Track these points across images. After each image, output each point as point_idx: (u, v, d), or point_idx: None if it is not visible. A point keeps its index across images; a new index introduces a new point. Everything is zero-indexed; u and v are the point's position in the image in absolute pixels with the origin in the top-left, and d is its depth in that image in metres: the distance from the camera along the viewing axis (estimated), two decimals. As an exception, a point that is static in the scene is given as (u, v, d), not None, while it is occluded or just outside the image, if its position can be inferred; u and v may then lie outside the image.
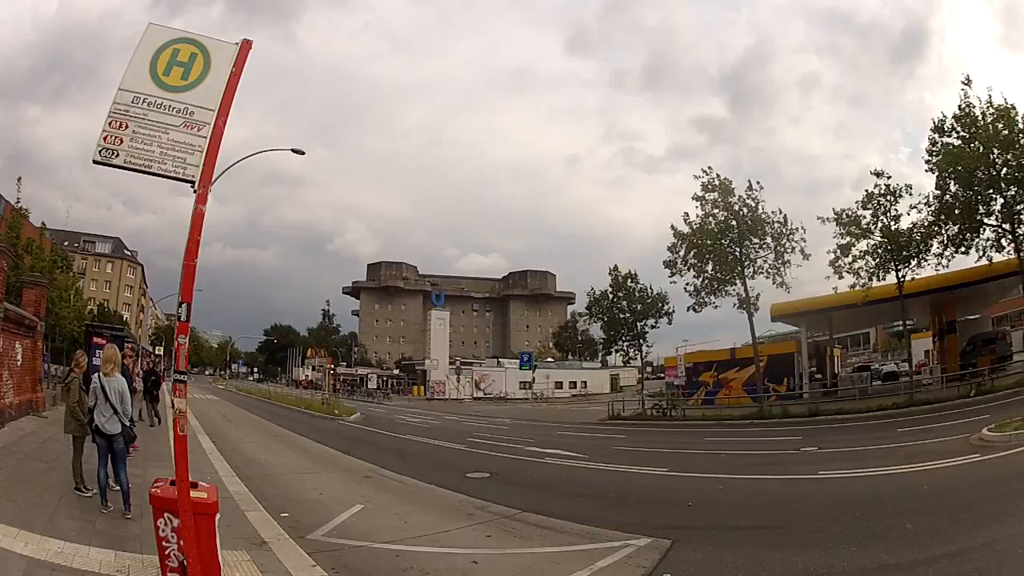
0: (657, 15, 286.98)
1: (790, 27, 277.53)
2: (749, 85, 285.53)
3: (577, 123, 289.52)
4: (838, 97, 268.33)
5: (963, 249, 36.97)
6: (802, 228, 43.02)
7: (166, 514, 7.00)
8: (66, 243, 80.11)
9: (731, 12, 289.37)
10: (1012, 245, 35.30)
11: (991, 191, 35.49)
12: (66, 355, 34.71)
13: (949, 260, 37.96)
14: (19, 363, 23.64)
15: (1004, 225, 35.50)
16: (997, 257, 36.28)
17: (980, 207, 35.94)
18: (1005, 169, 34.81)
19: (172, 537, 6.96)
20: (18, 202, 43.11)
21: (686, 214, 45.12)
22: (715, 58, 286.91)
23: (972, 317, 52.83)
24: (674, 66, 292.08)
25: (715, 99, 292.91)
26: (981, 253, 36.42)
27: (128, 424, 11.75)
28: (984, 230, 36.31)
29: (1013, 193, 34.88)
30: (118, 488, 11.44)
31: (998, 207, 35.71)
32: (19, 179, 54.85)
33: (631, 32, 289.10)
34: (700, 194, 44.37)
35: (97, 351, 22.95)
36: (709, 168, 45.00)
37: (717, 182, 44.25)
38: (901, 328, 56.18)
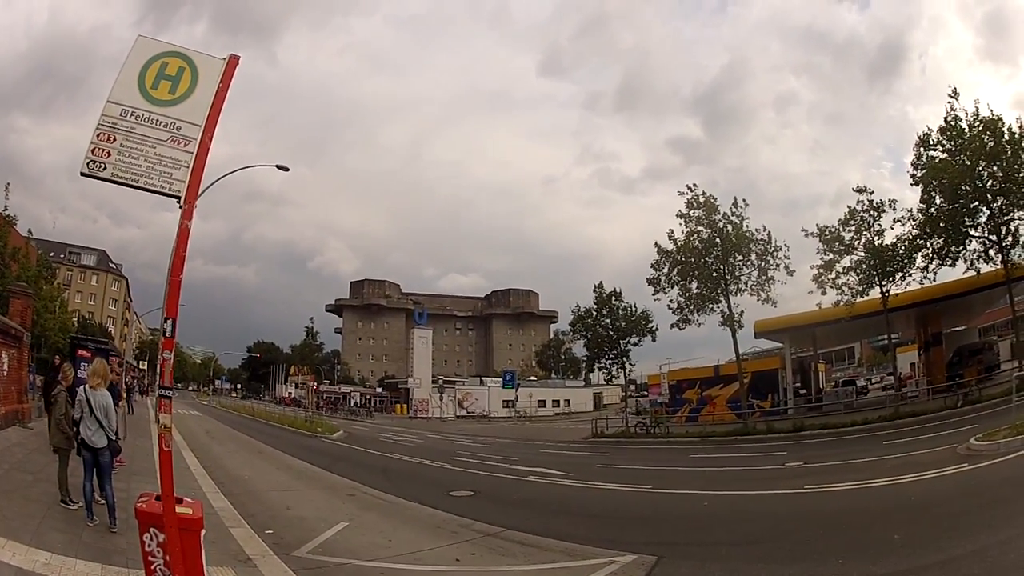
0: (631, 37, 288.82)
1: (765, 47, 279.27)
2: (724, 105, 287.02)
3: (553, 144, 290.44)
4: (815, 115, 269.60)
5: (949, 262, 37.15)
6: (785, 245, 43.10)
7: (152, 529, 6.96)
8: (51, 254, 79.71)
9: (706, 33, 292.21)
10: (999, 256, 35.47)
11: (977, 203, 35.67)
12: (50, 368, 34.64)
13: (935, 273, 38.17)
14: (5, 373, 23.54)
15: (991, 236, 35.69)
16: (985, 268, 36.49)
17: (966, 219, 36.10)
18: (991, 181, 35.02)
19: (158, 552, 6.92)
20: (5, 209, 42.72)
21: (670, 231, 45.06)
22: (690, 79, 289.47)
23: (958, 329, 53.03)
24: (648, 87, 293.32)
25: (690, 120, 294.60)
26: (969, 264, 36.62)
27: (113, 438, 11.71)
28: (971, 242, 36.52)
29: (1000, 204, 35.08)
30: (103, 502, 11.40)
31: (984, 219, 35.91)
32: (7, 185, 54.52)
33: (605, 55, 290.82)
34: (684, 211, 44.34)
35: (83, 364, 22.89)
36: (694, 185, 45.02)
37: (702, 199, 44.24)
38: (886, 342, 56.34)
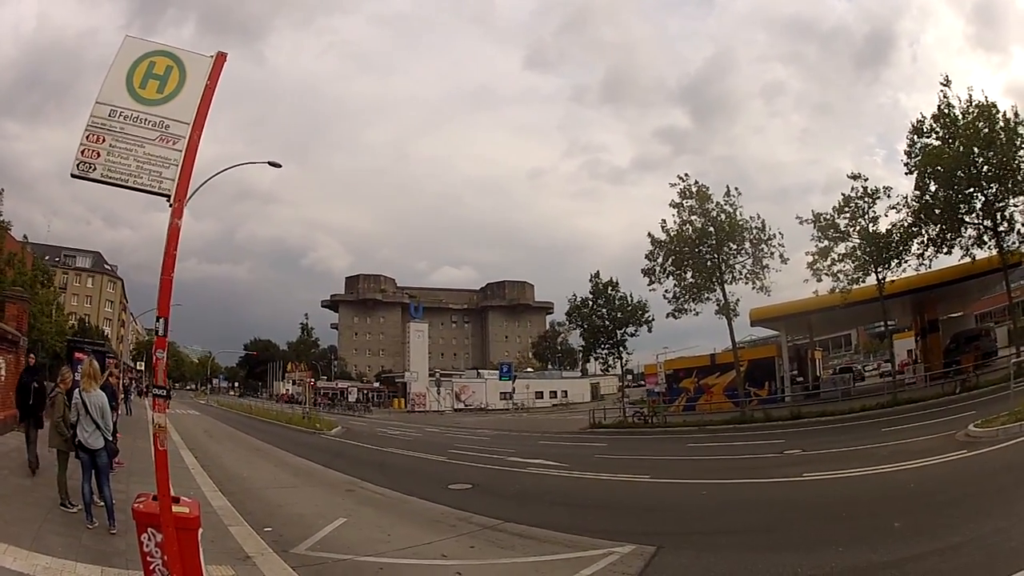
0: (616, 30, 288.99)
1: (751, 37, 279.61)
2: (711, 95, 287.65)
3: (541, 138, 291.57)
4: (803, 104, 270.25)
5: (945, 249, 37.20)
6: (779, 233, 43.14)
7: (149, 529, 6.94)
8: (47, 257, 79.32)
9: (692, 24, 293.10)
10: (994, 242, 35.52)
11: (972, 190, 35.66)
12: (48, 371, 34.61)
13: (931, 260, 38.13)
14: (3, 378, 23.53)
15: (986, 222, 35.69)
16: (980, 255, 36.46)
17: (961, 206, 36.08)
18: (986, 167, 35.01)
19: (156, 552, 6.90)
20: (0, 215, 42.57)
21: (663, 221, 45.13)
22: (676, 70, 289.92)
23: (955, 315, 53.16)
24: (634, 79, 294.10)
25: (677, 110, 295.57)
26: (964, 251, 36.61)
27: (110, 439, 11.71)
28: (966, 229, 36.52)
29: (994, 191, 35.10)
30: (102, 503, 11.41)
31: (979, 205, 35.92)
32: (0, 191, 54.50)
33: (589, 48, 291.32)
34: (678, 201, 44.35)
35: (79, 366, 22.90)
36: (686, 175, 44.94)
37: (694, 189, 44.24)
38: (883, 329, 56.34)
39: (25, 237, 52.00)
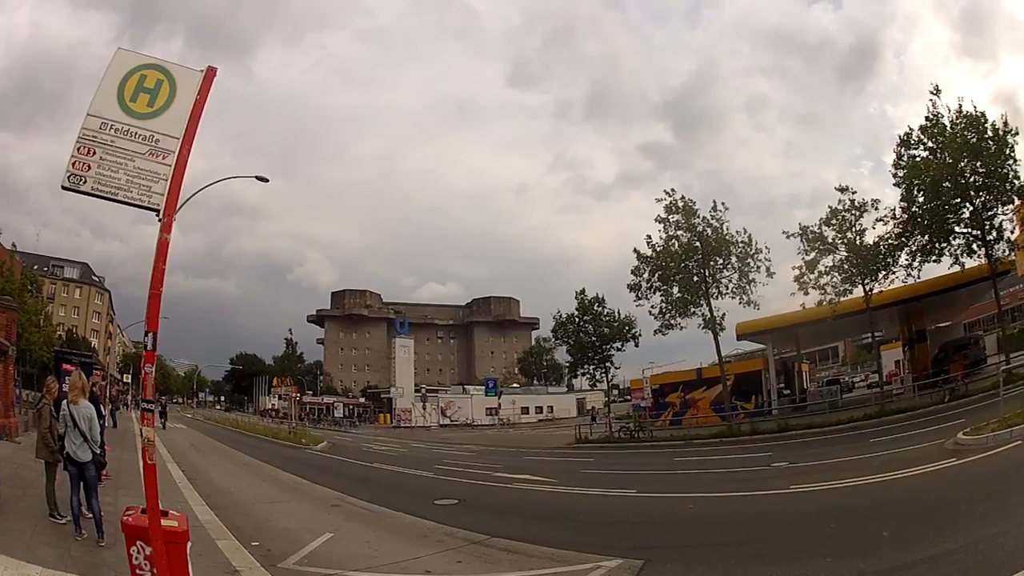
0: (599, 46, 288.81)
1: (734, 50, 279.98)
2: (695, 109, 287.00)
3: (525, 153, 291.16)
4: (787, 117, 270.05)
5: (933, 258, 37.30)
6: (766, 247, 43.23)
7: (138, 542, 6.95)
8: (35, 267, 79.22)
9: (675, 38, 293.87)
10: (983, 251, 35.66)
11: (959, 200, 35.82)
12: (36, 380, 34.40)
13: (918, 271, 38.28)
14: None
15: (974, 231, 35.84)
16: (969, 263, 36.67)
17: (949, 215, 36.22)
18: (974, 177, 35.20)
19: (145, 565, 6.91)
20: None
21: (648, 236, 45.16)
22: (659, 85, 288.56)
23: (943, 325, 53.28)
24: (619, 94, 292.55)
25: (661, 125, 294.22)
26: (954, 259, 36.76)
27: (98, 451, 11.69)
28: (955, 238, 36.68)
29: (982, 200, 35.29)
30: (91, 516, 11.38)
31: (967, 215, 36.10)
32: None
33: (573, 63, 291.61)
34: (664, 216, 44.40)
35: (67, 377, 22.84)
36: (672, 190, 45.02)
37: (680, 204, 44.28)
38: (870, 340, 56.45)
39: (14, 245, 52.04)
